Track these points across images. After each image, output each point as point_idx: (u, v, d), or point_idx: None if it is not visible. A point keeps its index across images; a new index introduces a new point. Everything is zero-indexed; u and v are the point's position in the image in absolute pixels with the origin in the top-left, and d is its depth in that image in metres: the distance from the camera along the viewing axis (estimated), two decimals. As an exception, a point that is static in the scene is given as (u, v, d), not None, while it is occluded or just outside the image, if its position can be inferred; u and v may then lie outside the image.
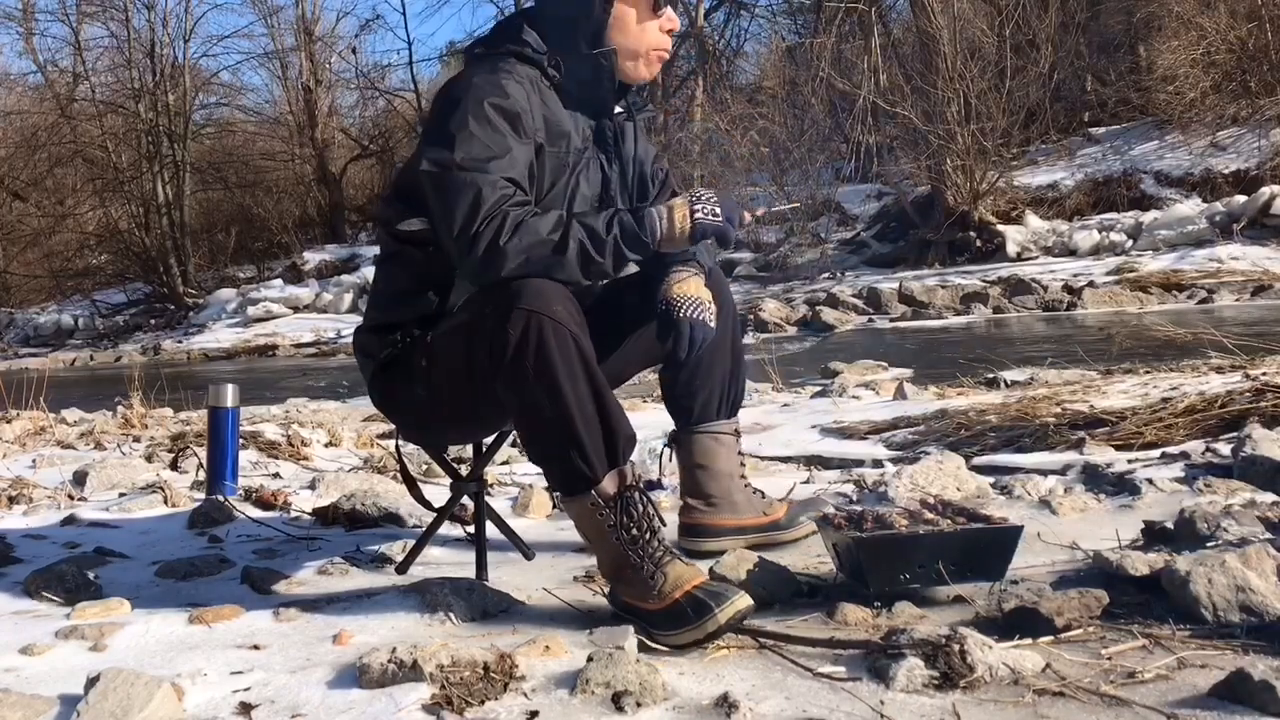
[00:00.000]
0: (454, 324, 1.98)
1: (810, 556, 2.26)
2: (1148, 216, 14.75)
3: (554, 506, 2.89)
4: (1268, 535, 2.02)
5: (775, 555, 2.14)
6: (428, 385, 2.03)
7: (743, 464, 2.41)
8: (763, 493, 2.44)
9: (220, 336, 19.21)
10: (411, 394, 2.07)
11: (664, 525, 1.89)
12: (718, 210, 1.99)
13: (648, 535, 1.83)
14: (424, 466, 3.55)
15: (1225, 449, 2.91)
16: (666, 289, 2.11)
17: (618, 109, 2.19)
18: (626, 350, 2.28)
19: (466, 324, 1.93)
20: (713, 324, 2.11)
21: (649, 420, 3.56)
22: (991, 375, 5.05)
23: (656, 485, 2.88)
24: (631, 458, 1.89)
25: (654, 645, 1.72)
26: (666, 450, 2.47)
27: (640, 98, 2.24)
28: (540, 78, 2.07)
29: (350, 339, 2.33)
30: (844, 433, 4.00)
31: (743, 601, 1.73)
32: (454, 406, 2.02)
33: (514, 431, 2.32)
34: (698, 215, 1.98)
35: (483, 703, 1.51)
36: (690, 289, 2.10)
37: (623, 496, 1.84)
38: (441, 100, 2.06)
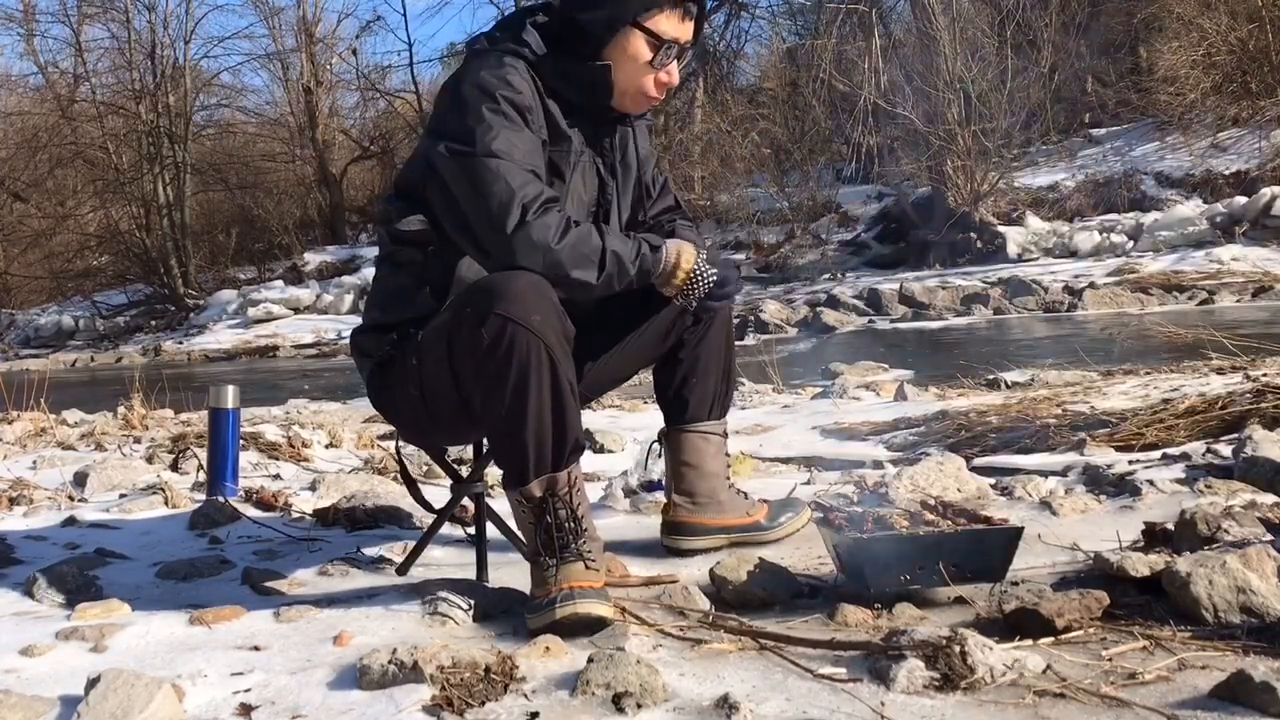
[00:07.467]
0: (438, 323, 1.99)
1: (810, 557, 2.26)
2: (1148, 217, 14.74)
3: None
4: (1268, 536, 2.02)
5: (776, 556, 2.14)
6: (419, 384, 2.04)
7: (728, 464, 2.43)
8: (745, 493, 2.46)
9: (221, 337, 19.19)
10: (406, 394, 2.08)
11: (586, 532, 1.92)
12: (712, 279, 2.10)
13: (565, 539, 1.90)
14: (425, 468, 3.54)
15: (1226, 450, 2.90)
16: (667, 288, 2.11)
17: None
18: (627, 349, 2.29)
19: (448, 323, 1.95)
20: (717, 276, 2.13)
21: (649, 421, 3.56)
22: (992, 376, 5.05)
23: (657, 486, 2.87)
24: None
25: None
26: (656, 447, 2.48)
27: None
28: (538, 80, 2.06)
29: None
30: (845, 434, 4.00)
31: (588, 608, 1.79)
32: (443, 405, 2.03)
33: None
34: (694, 281, 2.08)
35: (483, 704, 1.51)
36: (683, 273, 2.09)
37: (546, 500, 1.90)
38: (451, 92, 2.05)
